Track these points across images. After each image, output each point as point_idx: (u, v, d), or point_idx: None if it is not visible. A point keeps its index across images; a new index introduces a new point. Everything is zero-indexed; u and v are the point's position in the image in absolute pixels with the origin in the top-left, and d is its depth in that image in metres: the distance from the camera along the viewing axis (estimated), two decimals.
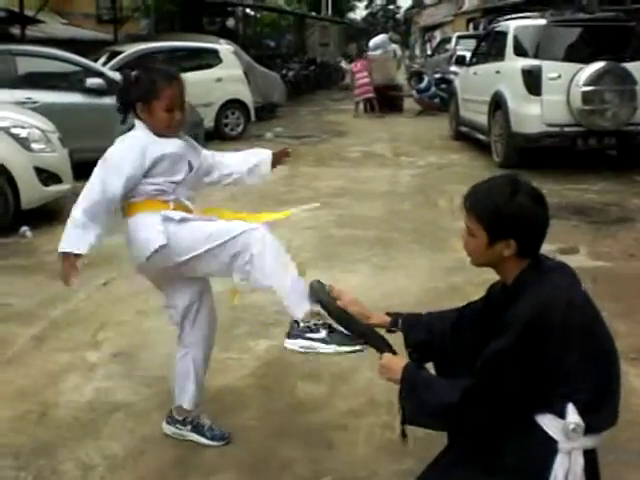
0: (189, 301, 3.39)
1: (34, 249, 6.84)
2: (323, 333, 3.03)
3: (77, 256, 3.01)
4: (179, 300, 3.39)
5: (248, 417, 3.79)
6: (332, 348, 3.01)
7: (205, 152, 3.48)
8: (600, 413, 2.29)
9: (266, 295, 5.39)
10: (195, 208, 3.27)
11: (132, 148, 3.10)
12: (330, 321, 2.98)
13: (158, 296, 5.38)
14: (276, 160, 3.63)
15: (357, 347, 2.93)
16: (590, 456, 2.30)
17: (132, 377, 4.23)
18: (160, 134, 3.16)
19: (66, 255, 3.01)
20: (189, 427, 3.54)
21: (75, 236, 3.01)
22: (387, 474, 3.26)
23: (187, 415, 3.54)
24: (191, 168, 3.24)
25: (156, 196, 3.14)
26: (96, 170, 3.10)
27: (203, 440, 3.52)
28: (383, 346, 2.73)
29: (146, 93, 3.12)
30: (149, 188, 3.12)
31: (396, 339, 2.81)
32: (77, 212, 3.04)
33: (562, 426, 2.24)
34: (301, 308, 3.05)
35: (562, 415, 2.24)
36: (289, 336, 3.11)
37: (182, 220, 3.11)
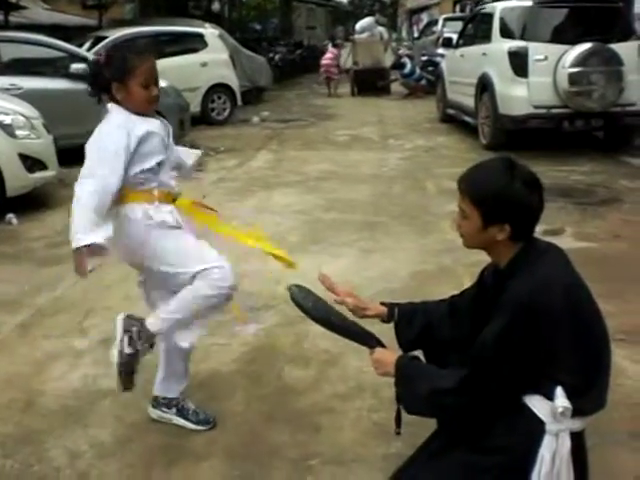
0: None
1: (19, 236, 6.80)
2: (174, 410, 3.54)
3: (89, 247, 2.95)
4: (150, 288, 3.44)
5: (236, 402, 3.79)
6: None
7: None
8: (588, 396, 2.28)
9: (254, 281, 5.43)
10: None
11: (118, 133, 3.04)
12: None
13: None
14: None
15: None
16: (577, 438, 2.30)
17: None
18: (138, 113, 3.12)
19: (79, 250, 2.93)
20: (174, 410, 3.55)
21: (88, 229, 2.93)
22: (375, 457, 3.26)
23: (172, 399, 3.55)
24: (167, 147, 3.23)
25: (139, 184, 3.12)
26: (89, 163, 3.02)
27: (188, 424, 3.52)
28: (372, 341, 2.70)
29: (120, 72, 3.07)
30: (133, 172, 3.09)
31: (388, 330, 2.79)
32: (86, 212, 2.94)
33: (550, 408, 2.24)
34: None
35: (550, 397, 2.24)
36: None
37: (161, 224, 3.14)
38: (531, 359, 2.22)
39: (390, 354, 2.58)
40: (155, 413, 3.60)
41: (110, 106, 3.14)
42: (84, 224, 2.91)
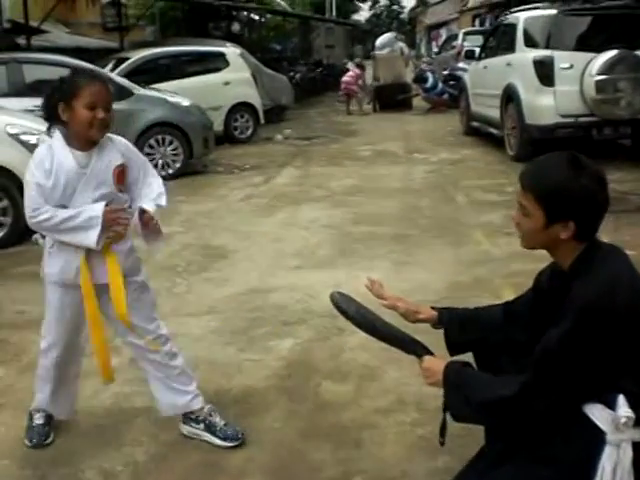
0: None
1: None
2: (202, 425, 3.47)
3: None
4: None
5: (272, 419, 3.68)
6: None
7: (146, 169, 3.37)
8: None
9: (283, 295, 5.34)
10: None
11: (38, 168, 3.08)
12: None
13: (172, 299, 5.33)
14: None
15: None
16: (639, 448, 2.18)
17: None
18: (80, 142, 3.10)
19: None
20: (202, 426, 3.48)
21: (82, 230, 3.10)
22: (420, 472, 3.14)
23: (199, 414, 3.48)
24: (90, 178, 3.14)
25: None
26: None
27: (216, 440, 3.43)
28: (419, 349, 2.61)
29: (67, 92, 3.05)
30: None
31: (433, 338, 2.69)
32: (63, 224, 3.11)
33: (612, 417, 2.13)
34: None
35: (612, 406, 2.13)
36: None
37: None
38: (596, 364, 2.11)
39: (441, 362, 2.47)
40: (185, 429, 3.53)
41: (55, 133, 3.14)
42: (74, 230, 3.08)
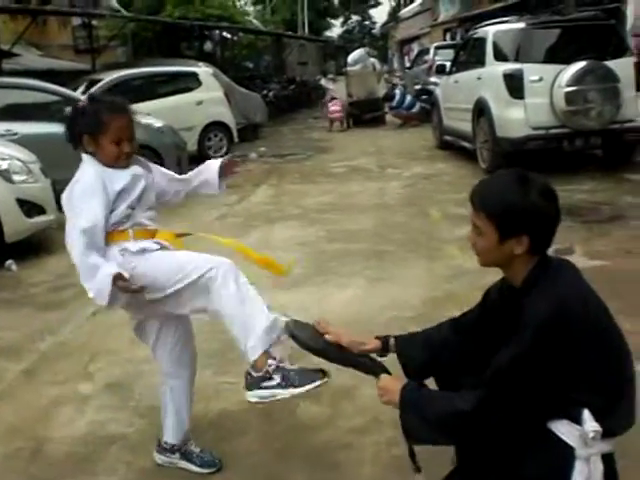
0: (160, 331, 3.32)
1: (20, 282, 6.69)
2: (277, 379, 2.91)
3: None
4: (150, 330, 3.32)
5: (249, 441, 3.66)
6: (288, 392, 2.89)
7: (162, 171, 3.40)
8: (616, 416, 2.18)
9: None
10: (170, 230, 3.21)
11: (93, 187, 2.98)
12: (283, 364, 2.92)
13: None
14: (226, 171, 3.53)
15: (317, 382, 2.87)
16: (609, 460, 2.20)
17: (126, 408, 4.09)
18: (110, 165, 3.06)
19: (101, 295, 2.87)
20: (178, 455, 3.44)
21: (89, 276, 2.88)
22: None
23: (174, 444, 3.44)
24: (144, 190, 3.13)
25: (114, 227, 3.04)
26: (69, 220, 2.98)
27: (193, 467, 3.41)
28: (377, 369, 2.61)
29: (92, 126, 3.02)
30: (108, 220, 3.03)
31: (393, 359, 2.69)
32: (83, 258, 2.90)
33: (579, 433, 2.13)
34: (256, 351, 2.93)
35: (578, 421, 2.13)
36: (248, 388, 2.98)
37: (141, 251, 3.01)
38: (552, 380, 2.12)
39: (396, 381, 2.47)
40: (160, 458, 3.49)
41: (84, 157, 3.09)
42: (87, 272, 2.87)
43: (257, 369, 2.91)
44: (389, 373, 2.57)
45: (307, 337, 2.67)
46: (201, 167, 3.52)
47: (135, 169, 3.13)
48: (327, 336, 2.68)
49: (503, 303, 2.42)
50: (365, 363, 2.64)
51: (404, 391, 2.39)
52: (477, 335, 2.54)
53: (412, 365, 2.66)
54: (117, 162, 3.06)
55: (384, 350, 2.70)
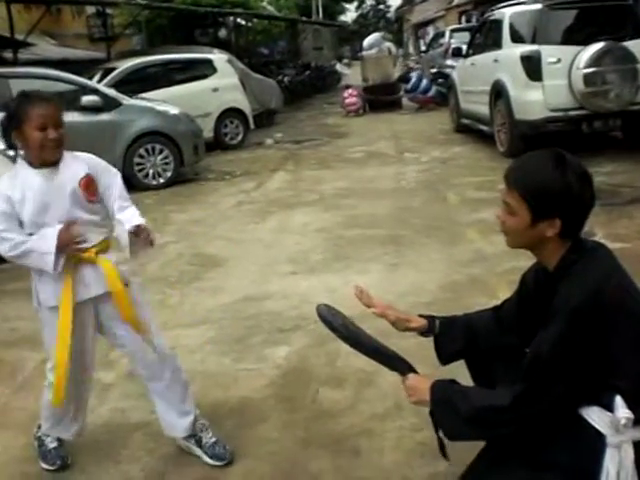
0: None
1: None
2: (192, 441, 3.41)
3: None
4: None
5: (270, 429, 3.65)
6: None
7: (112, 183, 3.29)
8: None
9: (278, 302, 5.32)
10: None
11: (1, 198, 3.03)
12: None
13: (165, 311, 5.29)
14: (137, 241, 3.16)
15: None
16: (639, 447, 2.16)
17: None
18: (40, 162, 3.06)
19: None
20: (193, 441, 3.45)
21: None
22: (421, 478, 3.12)
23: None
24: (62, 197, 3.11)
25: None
26: None
27: (204, 457, 3.40)
28: (404, 366, 2.58)
29: (17, 119, 3.02)
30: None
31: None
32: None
33: (610, 419, 2.11)
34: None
35: (609, 408, 2.11)
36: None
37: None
38: (589, 367, 2.09)
39: (425, 380, 2.45)
40: (182, 442, 3.50)
41: (18, 161, 3.12)
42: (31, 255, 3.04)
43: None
44: (416, 372, 2.55)
45: (339, 323, 2.63)
46: (122, 218, 3.21)
47: (63, 169, 3.12)
48: (372, 309, 2.67)
49: (538, 289, 2.38)
50: (393, 359, 2.60)
51: (434, 389, 2.37)
52: (516, 322, 2.52)
53: (450, 349, 2.65)
54: (44, 151, 3.03)
55: (429, 330, 2.68)
